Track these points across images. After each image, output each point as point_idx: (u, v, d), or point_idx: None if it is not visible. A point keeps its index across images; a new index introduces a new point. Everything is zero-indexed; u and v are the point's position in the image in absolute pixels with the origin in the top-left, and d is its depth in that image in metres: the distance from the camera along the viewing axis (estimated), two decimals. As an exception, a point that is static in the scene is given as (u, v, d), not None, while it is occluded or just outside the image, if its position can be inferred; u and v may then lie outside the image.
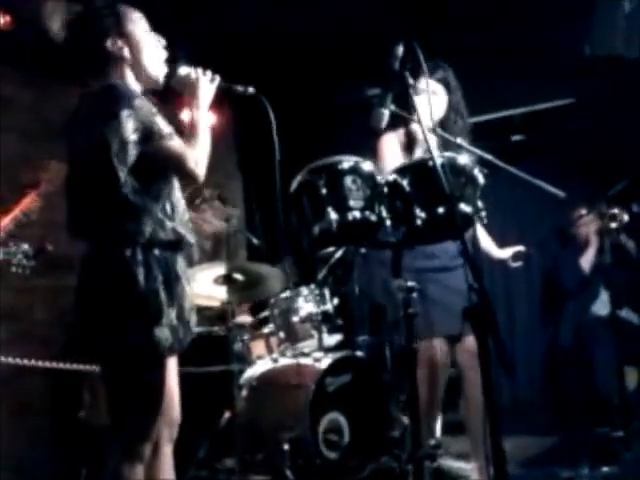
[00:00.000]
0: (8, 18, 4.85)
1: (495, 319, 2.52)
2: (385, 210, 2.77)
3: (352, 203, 2.73)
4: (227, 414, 4.66)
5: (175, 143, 2.68)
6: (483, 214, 2.82)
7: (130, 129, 2.58)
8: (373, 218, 2.75)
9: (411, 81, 2.88)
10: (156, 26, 2.92)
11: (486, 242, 4.21)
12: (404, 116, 3.12)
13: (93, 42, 2.78)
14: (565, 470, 4.29)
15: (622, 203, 5.25)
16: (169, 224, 2.70)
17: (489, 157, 3.18)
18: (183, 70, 2.94)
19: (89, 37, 2.79)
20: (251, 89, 2.99)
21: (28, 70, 5.52)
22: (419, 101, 3.30)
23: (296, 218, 3.01)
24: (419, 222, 2.74)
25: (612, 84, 5.58)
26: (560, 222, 5.41)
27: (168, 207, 2.73)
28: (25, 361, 3.95)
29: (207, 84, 2.92)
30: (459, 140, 3.44)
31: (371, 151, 3.80)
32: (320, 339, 4.76)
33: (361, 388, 4.65)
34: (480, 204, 2.82)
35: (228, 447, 4.51)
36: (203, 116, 2.86)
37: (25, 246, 3.93)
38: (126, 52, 2.79)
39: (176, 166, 2.71)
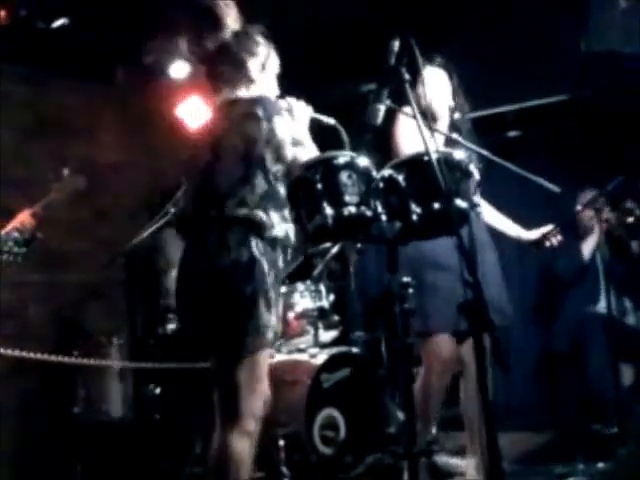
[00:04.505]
0: (3, 13, 4.84)
1: (489, 314, 2.52)
2: (381, 205, 2.76)
3: (348, 198, 2.71)
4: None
5: (311, 152, 3.09)
6: (478, 209, 2.81)
7: (285, 132, 3.04)
8: (369, 213, 2.74)
9: (407, 76, 2.87)
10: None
11: (512, 228, 4.24)
12: (400, 111, 3.12)
13: (242, 55, 3.19)
14: (560, 466, 4.28)
15: (617, 199, 5.24)
16: (283, 225, 3.05)
17: (485, 152, 3.18)
18: (282, 102, 3.23)
19: (242, 49, 3.20)
20: (332, 120, 3.25)
21: (24, 66, 5.52)
22: (426, 91, 3.32)
23: (292, 214, 3.02)
24: (415, 217, 2.73)
25: (608, 80, 5.57)
26: (556, 217, 5.37)
27: (286, 211, 3.05)
28: (24, 353, 3.95)
29: (302, 112, 3.22)
30: (455, 135, 3.45)
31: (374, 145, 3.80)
32: (316, 335, 4.77)
33: (357, 384, 4.65)
34: (475, 199, 2.81)
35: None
36: (300, 137, 3.14)
37: (15, 234, 3.92)
38: (255, 76, 3.20)
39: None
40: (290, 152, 3.04)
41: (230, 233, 2.97)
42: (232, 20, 3.25)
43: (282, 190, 3.05)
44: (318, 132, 3.29)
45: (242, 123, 3.06)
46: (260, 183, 3.01)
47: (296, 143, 3.06)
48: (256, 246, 2.96)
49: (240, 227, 2.98)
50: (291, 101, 3.25)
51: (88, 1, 5.13)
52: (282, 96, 3.31)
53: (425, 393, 3.97)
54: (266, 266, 2.97)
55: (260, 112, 3.03)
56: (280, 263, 3.09)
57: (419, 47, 2.77)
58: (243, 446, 2.95)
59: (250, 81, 3.20)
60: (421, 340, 3.96)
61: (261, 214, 2.98)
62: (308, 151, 3.09)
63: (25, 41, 5.25)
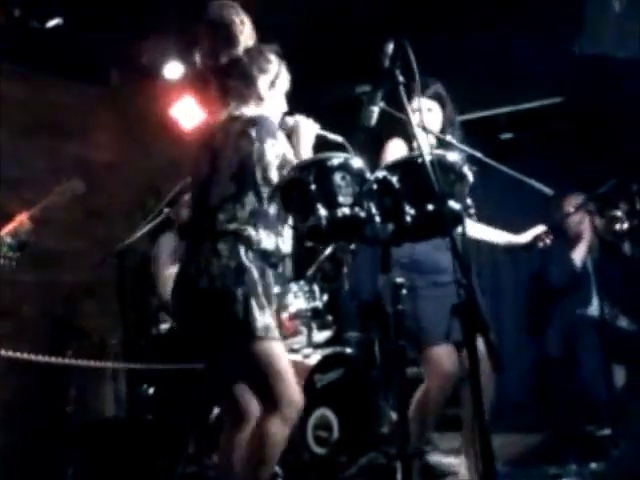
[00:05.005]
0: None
1: (483, 316, 2.53)
2: (374, 206, 2.77)
3: (341, 199, 2.72)
4: (216, 410, 4.65)
5: None
6: (472, 211, 2.82)
7: (273, 155, 3.08)
8: (362, 214, 2.74)
9: (402, 78, 2.87)
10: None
11: (501, 236, 4.22)
12: (394, 114, 3.13)
13: (252, 71, 3.26)
14: (553, 467, 4.29)
15: (610, 203, 5.24)
16: (273, 238, 3.15)
17: (478, 155, 3.18)
18: (290, 118, 3.31)
19: (254, 66, 3.27)
20: (340, 138, 3.24)
21: (19, 66, 5.51)
22: (414, 121, 3.33)
23: (285, 215, 3.05)
24: (408, 219, 2.73)
25: (601, 83, 5.59)
26: (549, 219, 5.36)
27: (280, 224, 3.18)
28: (17, 354, 3.96)
29: (309, 129, 3.27)
30: (449, 137, 3.46)
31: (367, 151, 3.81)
32: (309, 335, 4.78)
33: (350, 384, 4.65)
34: (469, 201, 2.82)
35: (217, 443, 4.51)
36: (306, 154, 3.20)
37: (9, 239, 3.95)
38: (264, 93, 3.27)
39: None
40: (275, 175, 3.09)
41: (221, 243, 3.08)
42: (246, 37, 3.33)
43: (272, 210, 3.15)
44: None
45: (237, 141, 3.15)
46: (250, 200, 3.11)
47: (287, 165, 3.09)
48: (245, 255, 3.06)
49: (230, 238, 3.08)
50: (298, 118, 3.29)
51: (83, 1, 5.12)
52: (290, 113, 3.35)
53: (425, 406, 3.93)
54: (256, 274, 3.06)
55: (253, 133, 3.11)
56: (271, 274, 3.17)
57: (415, 49, 2.77)
58: (283, 432, 3.05)
59: (259, 97, 3.27)
60: (421, 355, 3.95)
61: (250, 230, 3.08)
62: None
63: (20, 41, 5.24)
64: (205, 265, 3.07)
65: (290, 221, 3.13)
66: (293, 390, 3.08)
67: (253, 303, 3.02)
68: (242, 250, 3.05)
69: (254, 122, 3.15)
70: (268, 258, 3.15)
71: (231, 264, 3.04)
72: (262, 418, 3.09)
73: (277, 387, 3.05)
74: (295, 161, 3.10)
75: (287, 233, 3.24)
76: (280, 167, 3.10)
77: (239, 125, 3.17)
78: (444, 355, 3.87)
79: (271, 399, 3.06)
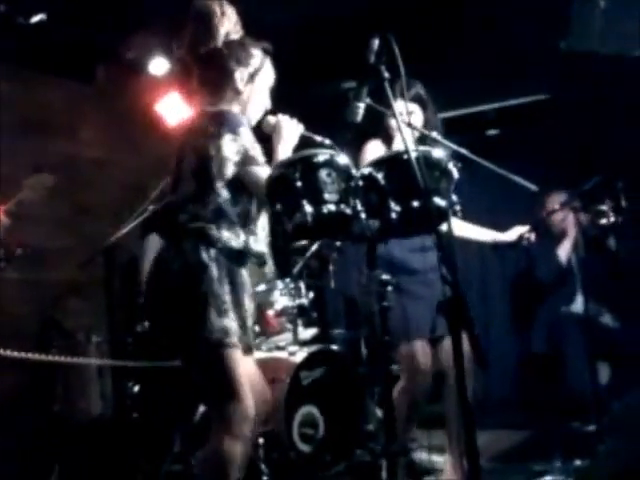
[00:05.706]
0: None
1: (469, 313, 2.53)
2: (360, 203, 2.77)
3: (327, 196, 2.71)
4: (201, 408, 4.64)
5: (263, 171, 3.00)
6: (457, 208, 2.82)
7: (232, 150, 3.01)
8: (348, 211, 2.74)
9: (387, 74, 2.87)
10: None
11: (486, 234, 4.23)
12: (380, 110, 3.12)
13: (229, 63, 3.18)
14: (538, 464, 4.31)
15: (595, 199, 5.25)
16: (243, 237, 3.07)
17: (464, 151, 3.19)
18: (272, 117, 3.24)
19: (231, 58, 3.18)
20: (327, 140, 3.17)
21: (5, 63, 5.48)
22: (396, 124, 3.32)
23: (271, 211, 3.03)
24: (394, 215, 2.73)
25: (587, 80, 5.60)
26: (534, 217, 5.36)
27: (250, 223, 3.11)
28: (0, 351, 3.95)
29: (292, 129, 3.19)
30: (434, 134, 3.46)
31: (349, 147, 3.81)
32: (295, 333, 4.77)
33: (336, 382, 4.65)
34: (454, 198, 2.82)
35: (203, 441, 4.50)
36: (285, 155, 3.11)
37: None
38: (242, 88, 3.20)
39: (258, 190, 3.00)
40: (232, 171, 3.03)
41: (183, 242, 3.03)
42: (228, 30, 3.23)
43: (238, 208, 3.07)
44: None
45: (197, 137, 3.10)
46: (212, 198, 3.03)
47: (251, 162, 3.04)
48: (206, 253, 2.98)
49: (191, 237, 3.02)
50: (281, 118, 3.22)
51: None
52: (273, 112, 3.29)
53: (405, 402, 3.95)
54: (216, 273, 2.98)
55: (212, 128, 3.05)
56: (244, 273, 3.13)
57: (401, 46, 2.77)
58: (234, 450, 2.90)
59: (235, 91, 3.19)
60: (398, 351, 3.96)
61: (212, 229, 3.01)
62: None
63: (6, 38, 5.22)
64: (168, 264, 3.04)
65: (267, 218, 3.14)
66: (246, 404, 2.94)
67: (210, 304, 2.94)
68: (203, 249, 2.98)
69: (215, 117, 3.10)
70: (237, 257, 3.07)
71: (190, 263, 2.98)
72: (214, 435, 2.96)
73: (229, 400, 2.93)
74: (261, 158, 3.05)
75: (262, 231, 3.17)
76: (241, 163, 3.03)
77: (202, 121, 3.13)
78: (418, 351, 3.92)
79: (222, 414, 2.94)
